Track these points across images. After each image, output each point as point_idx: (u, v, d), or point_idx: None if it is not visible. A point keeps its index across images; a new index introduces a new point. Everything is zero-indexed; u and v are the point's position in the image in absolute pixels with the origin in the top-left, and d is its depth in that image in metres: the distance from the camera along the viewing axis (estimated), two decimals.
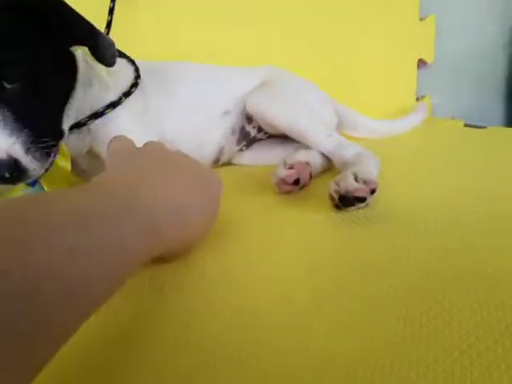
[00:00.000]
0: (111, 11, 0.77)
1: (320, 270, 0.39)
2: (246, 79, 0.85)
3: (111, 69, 0.59)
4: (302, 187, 0.62)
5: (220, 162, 0.86)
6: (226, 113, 0.82)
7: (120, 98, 0.64)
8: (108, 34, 0.83)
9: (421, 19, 1.27)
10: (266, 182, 0.67)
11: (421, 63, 1.33)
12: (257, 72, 0.87)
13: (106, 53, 0.54)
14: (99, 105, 0.62)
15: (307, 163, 0.64)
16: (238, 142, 0.85)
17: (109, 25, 0.76)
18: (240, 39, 1.07)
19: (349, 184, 0.51)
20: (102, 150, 0.63)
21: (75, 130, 0.60)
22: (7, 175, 0.42)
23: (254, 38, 1.08)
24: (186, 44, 1.01)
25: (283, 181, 0.60)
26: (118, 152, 0.41)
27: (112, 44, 0.55)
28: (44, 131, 0.47)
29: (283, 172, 0.61)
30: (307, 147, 0.76)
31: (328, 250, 0.44)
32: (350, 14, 1.18)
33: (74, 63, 0.57)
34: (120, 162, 0.39)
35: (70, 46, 0.56)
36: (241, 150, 0.87)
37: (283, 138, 0.87)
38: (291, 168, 0.62)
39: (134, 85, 0.67)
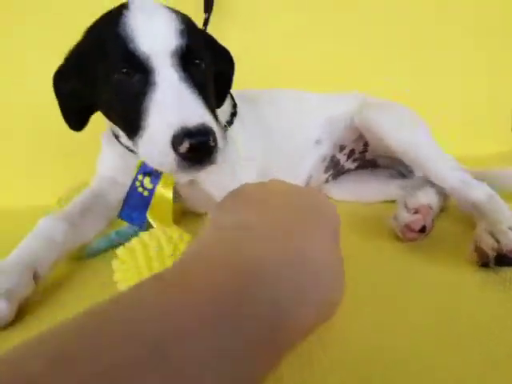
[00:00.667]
0: (206, 23, 0.72)
1: (470, 355, 0.30)
2: (339, 105, 0.77)
3: None
4: (427, 234, 0.54)
5: None
6: (318, 142, 0.75)
7: (225, 126, 0.59)
8: None
9: None
10: (376, 222, 0.59)
11: None
12: (348, 98, 0.79)
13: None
14: None
15: (430, 206, 0.56)
16: (326, 170, 0.78)
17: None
18: (336, 62, 1.01)
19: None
20: (203, 179, 0.59)
21: None
22: (212, 143, 0.40)
23: (351, 61, 1.03)
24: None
25: (408, 227, 0.52)
26: (236, 193, 0.31)
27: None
28: (214, 115, 0.45)
29: (407, 217, 0.52)
30: (399, 181, 0.72)
31: (474, 324, 0.34)
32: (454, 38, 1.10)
33: None
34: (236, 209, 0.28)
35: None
36: (327, 180, 0.79)
37: (371, 169, 0.80)
38: (416, 212, 0.53)
39: (234, 114, 0.62)
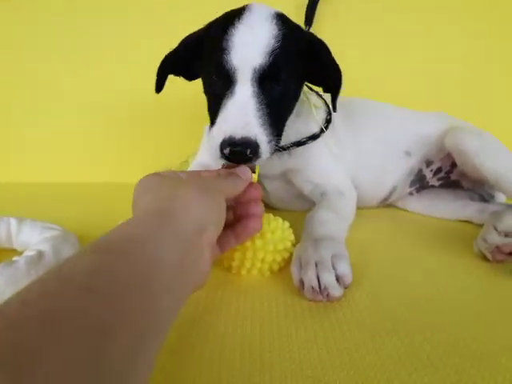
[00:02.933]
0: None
1: None
2: (429, 122, 0.80)
3: (316, 103, 0.63)
4: None
5: (388, 201, 0.82)
6: (407, 153, 0.79)
7: (321, 131, 0.65)
8: None
9: None
10: (459, 238, 0.63)
11: None
12: (437, 117, 0.82)
13: (339, 80, 0.56)
14: (302, 134, 0.64)
15: None
16: (412, 184, 0.81)
17: None
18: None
19: None
20: (294, 175, 0.67)
21: (277, 153, 0.61)
22: (249, 154, 0.47)
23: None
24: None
25: (499, 249, 0.54)
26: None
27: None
28: (277, 130, 0.52)
29: (499, 239, 0.55)
30: (478, 204, 0.75)
31: None
32: None
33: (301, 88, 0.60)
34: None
35: (318, 84, 0.59)
36: (411, 193, 0.82)
37: (454, 188, 0.82)
38: (507, 236, 0.56)
39: (329, 120, 0.67)
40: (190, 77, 0.61)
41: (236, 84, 0.49)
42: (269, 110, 0.49)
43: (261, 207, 0.46)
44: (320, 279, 0.43)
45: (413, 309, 0.43)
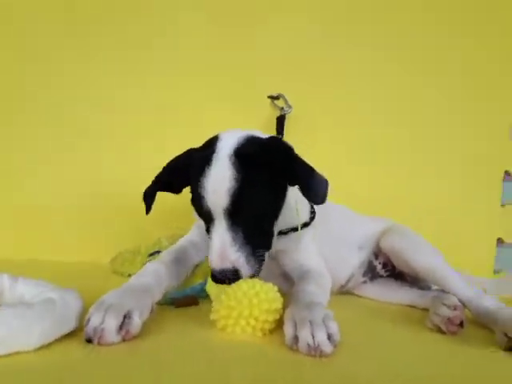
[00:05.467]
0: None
1: None
2: (375, 223, 0.96)
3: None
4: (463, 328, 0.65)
5: (345, 288, 0.92)
6: (360, 248, 0.92)
7: (311, 220, 0.77)
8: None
9: (502, 205, 1.43)
10: (410, 318, 0.74)
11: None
12: (382, 219, 0.99)
13: (318, 192, 0.62)
14: (293, 223, 0.73)
15: (462, 306, 0.68)
16: (364, 274, 0.93)
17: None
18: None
19: None
20: (282, 255, 0.76)
21: None
22: (227, 281, 0.58)
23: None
24: None
25: (451, 321, 0.64)
26: None
27: (326, 183, 0.63)
28: (261, 245, 0.63)
29: (449, 312, 0.65)
30: (419, 291, 0.87)
31: None
32: None
33: (285, 192, 0.69)
34: None
35: (291, 185, 0.68)
36: (365, 281, 0.93)
37: (400, 278, 0.95)
38: (455, 309, 0.66)
39: (313, 212, 0.79)
40: (174, 191, 0.72)
41: (215, 219, 0.61)
42: (246, 235, 0.61)
43: None
44: (314, 337, 0.48)
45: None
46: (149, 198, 0.69)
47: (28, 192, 1.15)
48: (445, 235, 1.14)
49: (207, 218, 0.62)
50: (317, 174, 0.63)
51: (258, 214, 0.63)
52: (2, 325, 0.37)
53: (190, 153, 0.67)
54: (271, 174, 0.63)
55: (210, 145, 0.65)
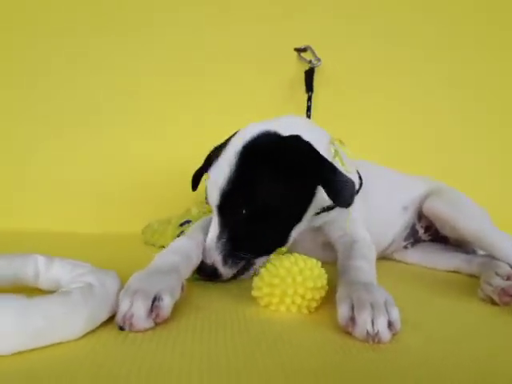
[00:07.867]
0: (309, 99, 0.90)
1: None
2: (420, 183, 0.90)
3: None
4: None
5: (385, 253, 0.88)
6: (405, 208, 0.87)
7: (359, 189, 0.73)
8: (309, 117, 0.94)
9: None
10: (461, 287, 0.69)
11: None
12: (424, 179, 0.93)
13: (342, 193, 0.57)
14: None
15: None
16: (406, 238, 0.88)
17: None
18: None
19: None
20: (328, 226, 0.72)
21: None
22: (206, 277, 0.61)
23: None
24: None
25: (505, 291, 0.60)
26: None
27: (350, 184, 0.58)
28: (248, 249, 0.61)
29: (502, 282, 0.61)
30: (464, 256, 0.83)
31: None
32: None
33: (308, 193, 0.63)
34: None
35: (313, 186, 0.62)
36: (406, 246, 0.89)
37: (444, 243, 0.90)
38: (508, 279, 0.62)
39: (360, 185, 0.74)
40: None
41: (213, 213, 0.63)
42: (232, 236, 0.61)
43: None
44: (374, 323, 0.43)
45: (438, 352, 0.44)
46: (195, 179, 0.74)
47: (65, 166, 1.16)
48: None
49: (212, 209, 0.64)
50: (339, 173, 0.57)
51: (255, 216, 0.60)
52: (41, 316, 0.36)
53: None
54: (285, 175, 0.59)
55: (228, 139, 0.65)
